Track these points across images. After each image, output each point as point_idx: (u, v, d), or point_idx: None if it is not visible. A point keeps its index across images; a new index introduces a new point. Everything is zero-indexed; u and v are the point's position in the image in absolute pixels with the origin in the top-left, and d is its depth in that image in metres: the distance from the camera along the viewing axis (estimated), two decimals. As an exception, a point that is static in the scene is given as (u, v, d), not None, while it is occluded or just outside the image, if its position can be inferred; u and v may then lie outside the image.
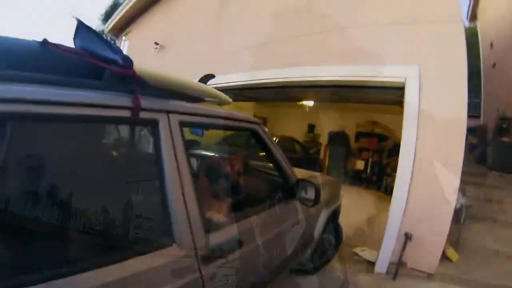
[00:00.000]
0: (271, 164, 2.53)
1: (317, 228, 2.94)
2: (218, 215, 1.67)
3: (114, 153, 1.58)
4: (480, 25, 11.86)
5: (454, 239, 3.90)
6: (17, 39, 1.14)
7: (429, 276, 3.44)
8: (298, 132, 11.28)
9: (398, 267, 3.43)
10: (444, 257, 3.58)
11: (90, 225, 1.15)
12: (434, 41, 3.44)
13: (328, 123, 11.04)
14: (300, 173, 2.62)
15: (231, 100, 2.31)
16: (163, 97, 1.42)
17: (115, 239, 1.26)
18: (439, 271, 3.44)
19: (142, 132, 1.57)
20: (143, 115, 1.26)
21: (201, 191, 1.63)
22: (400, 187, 3.48)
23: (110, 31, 13.90)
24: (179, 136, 1.41)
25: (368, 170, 10.08)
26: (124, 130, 1.57)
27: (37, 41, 1.12)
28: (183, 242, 1.32)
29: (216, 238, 1.51)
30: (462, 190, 4.06)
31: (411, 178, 3.40)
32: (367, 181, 9.93)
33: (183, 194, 1.35)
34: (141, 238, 1.24)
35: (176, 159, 1.36)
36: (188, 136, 3.30)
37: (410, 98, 3.43)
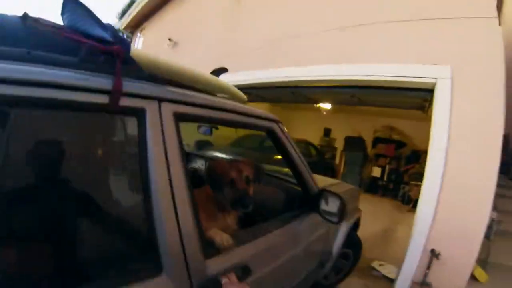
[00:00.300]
0: (287, 170, 2.18)
1: (336, 244, 2.62)
2: (220, 235, 1.37)
3: (82, 152, 1.14)
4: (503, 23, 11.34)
5: (483, 257, 3.58)
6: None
7: None
8: (313, 136, 10.99)
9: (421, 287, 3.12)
10: (472, 277, 3.23)
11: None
12: (467, 39, 3.12)
13: (345, 128, 10.79)
14: (317, 179, 2.23)
15: (246, 98, 2.01)
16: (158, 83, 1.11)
17: (82, 265, 0.97)
18: None
19: (124, 125, 1.17)
20: (124, 102, 0.96)
21: (202, 203, 1.34)
22: (427, 199, 3.15)
23: (125, 28, 14.00)
24: (173, 131, 1.09)
25: (385, 177, 9.74)
26: (100, 122, 1.15)
27: (18, 16, 0.91)
28: (173, 270, 1.01)
29: (217, 265, 1.18)
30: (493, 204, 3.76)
31: (440, 190, 3.07)
32: (383, 189, 9.65)
33: (175, 207, 1.03)
34: (118, 265, 0.95)
35: (167, 160, 1.04)
36: (197, 136, 3.00)
37: (441, 101, 3.11)
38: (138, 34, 13.17)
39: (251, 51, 5.43)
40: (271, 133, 1.85)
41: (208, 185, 1.64)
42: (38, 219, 0.91)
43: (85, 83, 0.88)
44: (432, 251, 3.08)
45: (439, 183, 3.06)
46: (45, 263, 0.89)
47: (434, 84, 3.17)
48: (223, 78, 1.83)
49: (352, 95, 5.27)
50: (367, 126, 10.24)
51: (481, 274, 3.37)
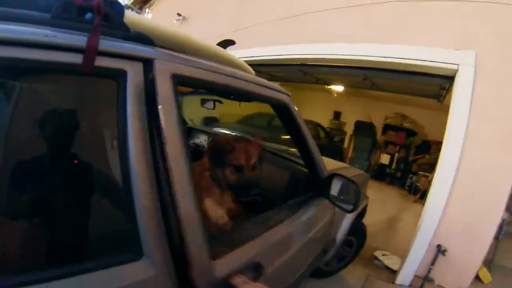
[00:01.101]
0: (295, 150, 2.08)
1: (340, 231, 2.47)
2: (216, 210, 1.26)
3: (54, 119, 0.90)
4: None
5: (489, 258, 3.49)
6: None
7: None
8: (323, 118, 10.73)
9: (424, 283, 3.01)
10: (475, 277, 3.15)
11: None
12: (494, 22, 2.86)
13: (356, 112, 10.56)
14: (326, 162, 2.04)
15: (253, 73, 1.70)
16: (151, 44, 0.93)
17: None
18: None
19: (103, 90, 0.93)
20: (101, 62, 0.78)
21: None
22: (438, 192, 2.99)
23: (133, 3, 13.87)
24: (171, 97, 0.90)
25: (393, 166, 9.55)
26: (72, 88, 0.98)
27: None
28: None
29: (225, 266, 1.03)
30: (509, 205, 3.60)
31: (453, 184, 2.91)
32: (390, 177, 9.49)
33: (171, 194, 0.86)
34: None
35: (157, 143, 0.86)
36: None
37: (462, 90, 2.89)
38: (147, 9, 13.03)
39: (263, 27, 5.20)
40: (283, 107, 1.64)
41: (207, 158, 1.53)
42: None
43: (55, 40, 0.72)
44: (439, 246, 2.97)
45: (452, 177, 2.90)
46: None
47: (455, 71, 2.95)
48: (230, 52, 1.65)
49: (365, 77, 5.04)
50: (378, 112, 9.97)
51: (486, 275, 3.26)
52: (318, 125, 9.20)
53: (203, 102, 2.68)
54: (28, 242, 0.82)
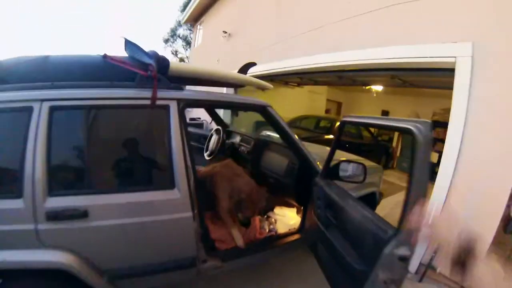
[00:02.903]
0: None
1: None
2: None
3: (142, 129, 2.17)
4: None
5: (503, 253, 3.37)
6: (87, 55, 2.10)
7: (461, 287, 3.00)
8: (371, 117, 10.66)
9: (426, 270, 3.11)
10: None
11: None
12: (490, 12, 2.93)
13: (403, 110, 10.33)
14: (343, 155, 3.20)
15: (271, 86, 3.03)
16: (181, 88, 2.11)
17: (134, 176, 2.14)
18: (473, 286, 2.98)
19: (159, 115, 2.05)
20: (159, 102, 1.93)
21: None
22: (440, 182, 3.11)
23: (186, 21, 14.99)
24: (181, 117, 2.05)
25: (442, 163, 9.18)
26: (146, 115, 2.10)
27: (99, 55, 1.91)
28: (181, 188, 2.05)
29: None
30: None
31: (454, 174, 3.01)
32: (439, 175, 9.12)
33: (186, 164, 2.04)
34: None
35: (182, 137, 2.03)
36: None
37: (460, 82, 2.99)
38: (198, 26, 14.09)
39: (296, 38, 5.59)
40: (262, 111, 2.55)
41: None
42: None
43: (139, 95, 1.92)
44: (441, 235, 3.02)
45: (453, 168, 3.00)
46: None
47: (454, 63, 3.03)
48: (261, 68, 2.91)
49: (392, 76, 5.11)
50: (426, 108, 9.66)
51: None
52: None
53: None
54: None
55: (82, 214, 1.80)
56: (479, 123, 2.88)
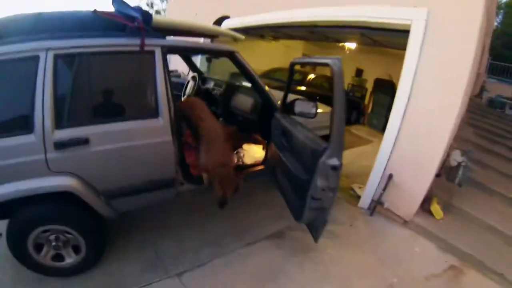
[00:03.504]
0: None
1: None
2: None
3: (133, 70, 2.59)
4: None
5: (446, 199, 3.92)
6: (77, 11, 2.44)
7: (404, 223, 3.58)
8: (345, 75, 10.94)
9: (376, 205, 3.67)
10: (429, 212, 3.67)
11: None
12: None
13: (377, 70, 10.68)
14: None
15: (243, 36, 3.44)
16: (164, 37, 2.58)
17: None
18: (415, 221, 3.55)
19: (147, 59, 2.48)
20: (146, 47, 2.37)
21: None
22: (391, 127, 3.59)
23: None
24: (164, 60, 2.51)
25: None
26: (135, 59, 2.53)
27: (90, 11, 2.34)
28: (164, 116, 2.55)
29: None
30: (465, 151, 4.03)
31: (402, 122, 3.49)
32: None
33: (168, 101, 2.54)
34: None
35: (165, 76, 2.50)
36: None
37: (414, 42, 3.37)
38: None
39: None
40: (229, 56, 3.03)
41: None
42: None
43: (130, 42, 2.33)
44: (390, 175, 3.56)
45: (401, 116, 3.49)
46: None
47: (409, 26, 3.39)
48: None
49: (362, 34, 5.43)
50: (398, 70, 10.09)
51: (437, 211, 3.67)
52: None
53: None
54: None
55: (84, 141, 2.23)
56: (426, 78, 3.31)
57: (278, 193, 3.11)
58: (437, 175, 3.65)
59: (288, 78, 3.28)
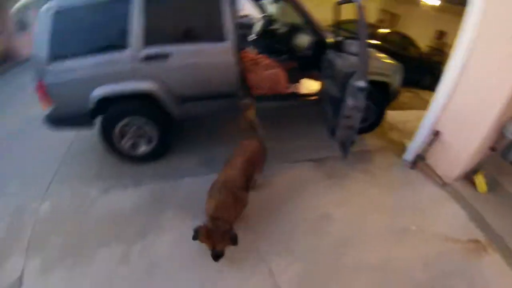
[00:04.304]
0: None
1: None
2: None
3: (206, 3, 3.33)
4: None
5: (494, 175, 3.54)
6: None
7: (443, 184, 3.51)
8: (422, 36, 10.11)
9: (417, 159, 3.72)
10: (472, 183, 3.42)
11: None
12: None
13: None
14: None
15: None
16: None
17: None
18: (454, 186, 3.42)
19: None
20: None
21: None
22: (447, 80, 3.41)
23: None
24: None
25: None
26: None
27: None
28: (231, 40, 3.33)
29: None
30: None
31: (460, 76, 3.27)
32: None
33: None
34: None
35: (231, 9, 3.27)
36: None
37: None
38: None
39: None
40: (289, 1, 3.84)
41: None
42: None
43: None
44: (437, 132, 3.53)
45: (459, 70, 3.25)
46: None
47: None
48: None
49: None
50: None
51: (481, 184, 3.39)
52: (405, 36, 9.09)
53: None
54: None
55: (165, 56, 3.19)
56: (493, 30, 3.01)
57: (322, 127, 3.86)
58: (492, 149, 3.37)
59: (335, 18, 3.96)
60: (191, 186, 2.97)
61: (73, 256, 2.62)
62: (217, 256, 2.24)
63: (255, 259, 2.56)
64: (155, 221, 2.92)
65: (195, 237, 2.22)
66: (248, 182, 2.67)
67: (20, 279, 2.44)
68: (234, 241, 2.25)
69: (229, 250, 2.32)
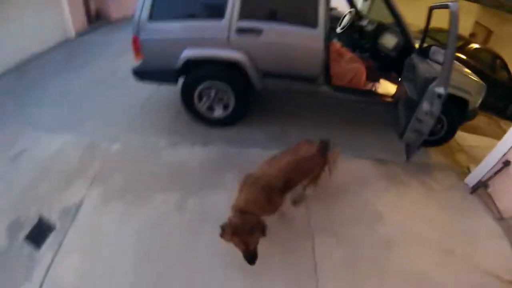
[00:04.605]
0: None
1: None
2: None
3: None
4: None
5: None
6: None
7: (499, 218, 3.37)
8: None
9: (479, 185, 3.62)
10: None
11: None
12: None
13: None
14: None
15: None
16: None
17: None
18: (511, 223, 3.29)
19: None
20: None
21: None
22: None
23: None
24: None
25: None
26: None
27: None
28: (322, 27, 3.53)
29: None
30: None
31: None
32: None
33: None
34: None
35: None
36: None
37: None
38: None
39: None
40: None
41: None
42: None
43: None
44: (506, 161, 3.40)
45: None
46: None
47: None
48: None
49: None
50: None
51: None
52: (498, 57, 8.04)
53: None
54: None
55: (258, 31, 3.45)
56: None
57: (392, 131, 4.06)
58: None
59: (426, 24, 3.91)
60: (257, 157, 2.94)
61: (132, 195, 3.02)
62: (251, 258, 2.01)
63: (304, 233, 2.80)
64: (215, 180, 3.24)
65: (222, 234, 2.01)
66: (287, 187, 2.45)
67: (81, 202, 2.89)
68: (264, 232, 2.09)
69: (280, 221, 2.70)
